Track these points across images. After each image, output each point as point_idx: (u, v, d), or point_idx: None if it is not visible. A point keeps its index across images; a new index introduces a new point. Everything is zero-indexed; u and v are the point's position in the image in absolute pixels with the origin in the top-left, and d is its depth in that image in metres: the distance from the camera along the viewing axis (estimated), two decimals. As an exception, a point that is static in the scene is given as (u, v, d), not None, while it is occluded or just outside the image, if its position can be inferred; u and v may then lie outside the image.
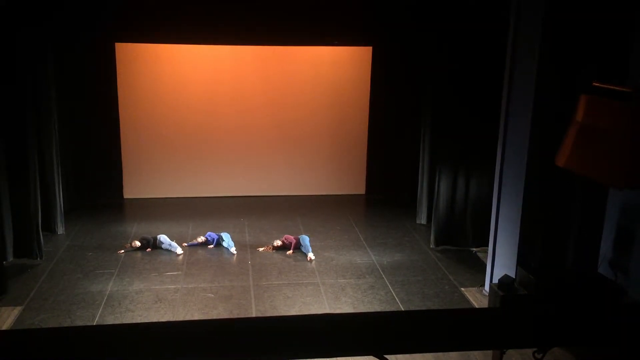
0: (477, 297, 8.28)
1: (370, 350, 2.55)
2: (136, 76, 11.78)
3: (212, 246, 9.85)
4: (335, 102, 12.43)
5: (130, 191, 12.30)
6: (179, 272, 8.89)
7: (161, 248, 9.71)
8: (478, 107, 9.23)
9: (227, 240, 9.90)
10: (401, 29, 11.26)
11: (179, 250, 9.65)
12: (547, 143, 6.63)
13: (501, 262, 7.89)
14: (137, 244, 9.67)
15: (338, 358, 2.50)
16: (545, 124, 7.01)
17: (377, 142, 12.51)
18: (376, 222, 11.25)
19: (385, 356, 2.56)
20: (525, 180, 7.34)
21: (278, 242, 9.80)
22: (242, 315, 7.59)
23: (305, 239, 9.78)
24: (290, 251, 9.63)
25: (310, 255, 9.45)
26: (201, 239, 9.91)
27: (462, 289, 8.54)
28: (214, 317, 7.44)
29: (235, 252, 9.70)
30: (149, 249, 9.64)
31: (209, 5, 10.59)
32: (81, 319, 7.47)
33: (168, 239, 9.80)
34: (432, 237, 9.95)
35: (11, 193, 8.86)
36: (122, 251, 9.54)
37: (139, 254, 9.53)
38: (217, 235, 9.97)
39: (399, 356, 2.73)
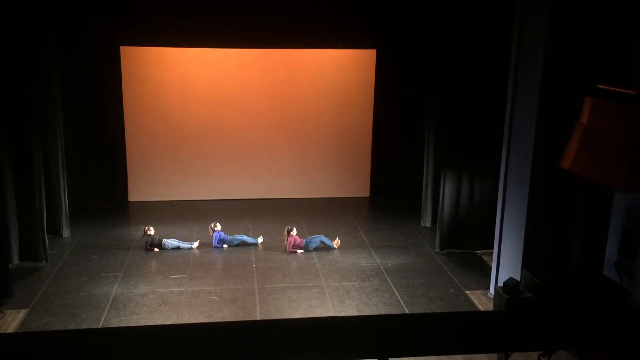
0: (482, 300, 8.26)
1: (375, 353, 2.55)
2: (141, 79, 11.82)
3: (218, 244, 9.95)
4: (339, 105, 12.44)
5: (135, 194, 12.32)
6: (184, 275, 8.90)
7: (166, 249, 9.77)
8: (482, 110, 9.21)
9: (244, 238, 10.08)
10: (405, 32, 11.26)
11: (195, 244, 9.85)
12: (552, 146, 6.62)
13: (506, 265, 7.87)
14: (151, 229, 9.86)
15: (343, 361, 2.50)
16: (550, 127, 7.00)
17: (381, 145, 12.51)
18: (381, 225, 11.24)
19: (390, 359, 2.56)
20: (530, 183, 7.33)
21: (288, 227, 9.98)
22: (246, 318, 7.59)
23: (313, 239, 9.87)
24: (293, 248, 9.76)
25: (337, 241, 9.99)
26: (215, 225, 10.07)
27: (467, 291, 8.53)
28: (219, 320, 7.45)
29: (261, 240, 10.14)
30: (156, 249, 9.73)
31: (213, 8, 10.61)
32: (86, 322, 7.49)
33: (175, 241, 9.84)
34: (437, 240, 9.94)
35: (16, 196, 8.90)
36: (145, 235, 9.83)
37: (144, 257, 9.55)
38: (222, 234, 10.00)
39: (403, 359, 2.73)
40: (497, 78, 8.43)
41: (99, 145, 11.58)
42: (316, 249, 9.84)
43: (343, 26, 11.25)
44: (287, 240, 9.82)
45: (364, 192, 12.88)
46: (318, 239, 9.88)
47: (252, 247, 10.04)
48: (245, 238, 10.09)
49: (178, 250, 9.79)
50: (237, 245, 10.01)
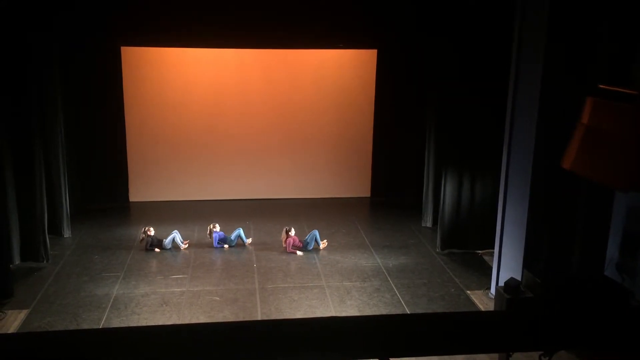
0: (483, 300, 8.26)
1: (376, 353, 2.55)
2: (142, 80, 11.82)
3: (219, 245, 9.95)
4: (340, 105, 12.44)
5: (136, 194, 12.33)
6: (185, 275, 8.90)
7: (166, 249, 9.79)
8: (483, 109, 9.21)
9: (239, 232, 10.08)
10: (406, 32, 11.27)
11: (184, 246, 9.86)
12: (553, 146, 6.62)
13: (507, 264, 7.87)
14: (151, 230, 9.82)
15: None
16: (551, 127, 7.00)
17: (382, 145, 12.51)
18: (382, 225, 11.24)
19: (391, 359, 2.56)
20: (531, 183, 7.33)
21: (286, 227, 9.93)
22: (247, 319, 7.59)
23: (309, 237, 9.88)
24: (293, 249, 9.77)
25: (325, 242, 9.98)
26: (215, 226, 10.07)
27: (468, 291, 8.53)
28: (220, 320, 7.45)
29: (249, 242, 10.13)
30: (157, 249, 9.73)
31: (213, 8, 10.62)
32: (87, 322, 7.50)
33: (170, 239, 9.85)
34: (438, 240, 9.94)
35: (17, 196, 8.91)
36: (142, 239, 9.80)
37: (144, 257, 9.55)
38: (222, 234, 10.01)
39: (404, 359, 2.73)
40: (498, 78, 8.43)
41: (99, 145, 11.59)
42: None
43: (343, 26, 11.25)
44: (285, 241, 9.82)
45: (365, 192, 12.88)
46: (313, 235, 9.89)
47: (252, 247, 10.05)
48: (241, 231, 10.10)
49: (176, 249, 9.81)
50: (235, 239, 10.03)
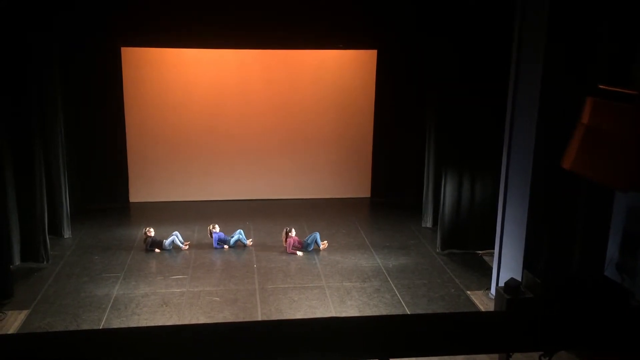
0: (484, 301, 8.25)
1: (376, 354, 2.55)
2: (142, 80, 11.83)
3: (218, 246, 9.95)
4: (340, 106, 12.44)
5: (136, 195, 12.33)
6: (185, 276, 8.90)
7: (166, 249, 9.79)
8: (483, 110, 9.22)
9: (239, 236, 10.06)
10: (406, 32, 11.27)
11: (184, 247, 9.86)
12: (553, 146, 6.62)
13: (507, 265, 7.86)
14: (151, 230, 9.83)
15: (344, 361, 2.50)
16: (551, 127, 6.99)
17: (382, 146, 12.51)
18: (382, 226, 11.24)
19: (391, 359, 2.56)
20: (531, 183, 7.33)
21: (286, 228, 9.92)
22: (247, 319, 7.59)
23: (310, 238, 9.88)
24: (293, 249, 9.76)
25: (325, 243, 9.96)
26: (214, 227, 10.05)
27: (468, 292, 8.52)
28: (220, 321, 7.45)
29: (250, 243, 10.07)
30: (157, 250, 9.74)
31: (213, 9, 10.62)
32: (87, 323, 7.49)
33: (170, 240, 9.84)
34: (438, 241, 9.94)
35: (18, 197, 8.91)
36: (145, 239, 9.81)
37: (144, 257, 9.55)
38: (222, 235, 10.01)
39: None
40: (498, 78, 8.43)
41: (100, 145, 11.60)
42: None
43: (343, 26, 11.26)
44: (285, 241, 9.82)
45: (365, 192, 12.88)
46: (314, 237, 9.88)
47: (252, 247, 10.06)
48: (241, 234, 10.10)
49: (176, 250, 9.81)
50: (234, 244, 10.02)
